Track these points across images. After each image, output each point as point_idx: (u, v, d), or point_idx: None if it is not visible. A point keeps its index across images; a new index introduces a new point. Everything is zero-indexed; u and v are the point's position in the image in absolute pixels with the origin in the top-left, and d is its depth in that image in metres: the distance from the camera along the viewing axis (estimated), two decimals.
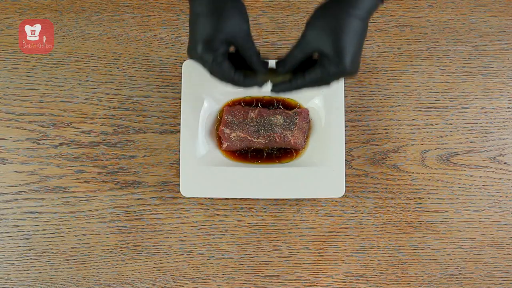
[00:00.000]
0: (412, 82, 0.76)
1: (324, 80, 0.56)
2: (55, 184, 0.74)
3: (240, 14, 0.54)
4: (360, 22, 0.54)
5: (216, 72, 0.54)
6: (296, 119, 0.72)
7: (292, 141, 0.71)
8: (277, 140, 0.72)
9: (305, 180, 0.71)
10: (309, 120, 0.73)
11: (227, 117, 0.72)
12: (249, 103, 0.74)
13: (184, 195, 0.71)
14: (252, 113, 0.72)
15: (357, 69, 0.56)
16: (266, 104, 0.74)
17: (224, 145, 0.72)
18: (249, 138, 0.72)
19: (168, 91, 0.76)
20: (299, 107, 0.74)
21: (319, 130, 0.73)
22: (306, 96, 0.73)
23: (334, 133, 0.72)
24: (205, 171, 0.72)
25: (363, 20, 0.54)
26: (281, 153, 0.74)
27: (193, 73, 0.72)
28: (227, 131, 0.71)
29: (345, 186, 0.71)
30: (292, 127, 0.71)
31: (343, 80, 0.72)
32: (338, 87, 0.72)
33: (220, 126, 0.72)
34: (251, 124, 0.72)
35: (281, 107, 0.74)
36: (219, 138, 0.73)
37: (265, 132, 0.71)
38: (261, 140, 0.72)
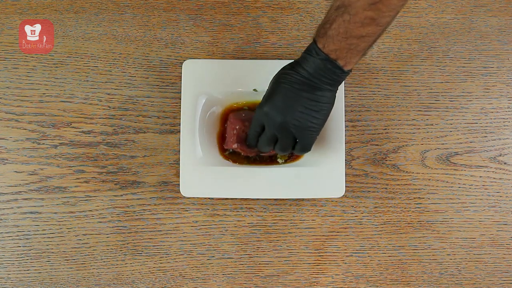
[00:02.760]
0: (412, 82, 0.76)
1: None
2: (55, 184, 0.74)
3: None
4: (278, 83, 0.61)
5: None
6: None
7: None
8: None
9: (305, 180, 0.71)
10: None
11: (234, 130, 0.71)
12: (251, 108, 0.74)
13: (184, 195, 0.71)
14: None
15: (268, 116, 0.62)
16: None
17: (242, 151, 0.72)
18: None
19: (168, 91, 0.76)
20: None
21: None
22: None
23: (334, 133, 0.72)
24: (205, 171, 0.72)
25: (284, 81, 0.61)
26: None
27: (193, 73, 0.72)
28: (235, 146, 0.71)
29: (345, 186, 0.71)
30: None
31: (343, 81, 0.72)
32: (338, 88, 0.72)
33: (230, 142, 0.71)
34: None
35: None
36: (219, 138, 0.73)
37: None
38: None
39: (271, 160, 0.73)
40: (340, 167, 0.71)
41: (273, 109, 0.61)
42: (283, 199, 0.74)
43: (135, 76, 0.76)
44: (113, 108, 0.75)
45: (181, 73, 0.74)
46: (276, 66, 0.72)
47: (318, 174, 0.71)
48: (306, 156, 0.73)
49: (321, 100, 0.61)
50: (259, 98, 0.67)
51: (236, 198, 0.74)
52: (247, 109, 0.74)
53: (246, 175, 0.72)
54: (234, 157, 0.73)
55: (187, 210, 0.74)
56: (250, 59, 0.76)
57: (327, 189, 0.71)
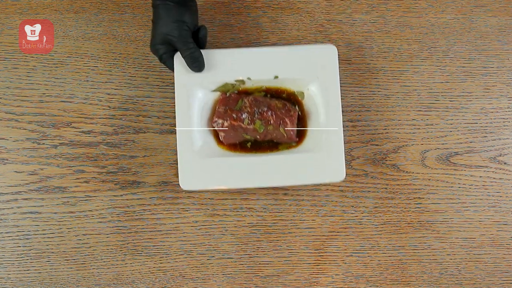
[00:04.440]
0: (412, 82, 0.76)
1: None
2: (55, 184, 0.74)
3: (173, 22, 0.66)
4: None
5: (165, 65, 0.71)
6: (287, 116, 0.71)
7: (286, 136, 0.71)
8: (271, 122, 0.70)
9: (305, 166, 0.69)
10: (297, 115, 0.72)
11: (220, 107, 0.71)
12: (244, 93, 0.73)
13: (183, 188, 0.70)
14: (246, 100, 0.71)
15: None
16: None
17: (221, 137, 0.71)
18: (242, 126, 0.70)
19: (168, 91, 0.76)
20: (290, 104, 0.72)
21: (316, 116, 0.71)
22: (301, 83, 0.72)
23: (331, 116, 0.70)
24: (203, 163, 0.70)
25: None
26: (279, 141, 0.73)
27: (185, 64, 0.71)
28: (220, 121, 0.70)
29: (345, 186, 0.71)
30: (284, 123, 0.71)
31: (337, 62, 0.70)
32: (332, 71, 0.70)
33: (214, 116, 0.71)
34: (245, 111, 0.71)
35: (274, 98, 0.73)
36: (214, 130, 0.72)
37: (259, 116, 0.70)
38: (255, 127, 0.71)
39: (270, 148, 0.72)
40: (339, 150, 0.69)
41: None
42: (283, 199, 0.74)
43: (135, 76, 0.76)
44: (113, 108, 0.75)
45: None
46: (271, 54, 0.71)
47: (318, 159, 0.69)
48: (305, 143, 0.71)
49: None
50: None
51: (236, 198, 0.74)
52: (236, 92, 0.73)
53: (245, 165, 0.70)
54: (232, 145, 0.72)
55: (187, 210, 0.74)
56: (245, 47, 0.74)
57: (328, 174, 0.69)
